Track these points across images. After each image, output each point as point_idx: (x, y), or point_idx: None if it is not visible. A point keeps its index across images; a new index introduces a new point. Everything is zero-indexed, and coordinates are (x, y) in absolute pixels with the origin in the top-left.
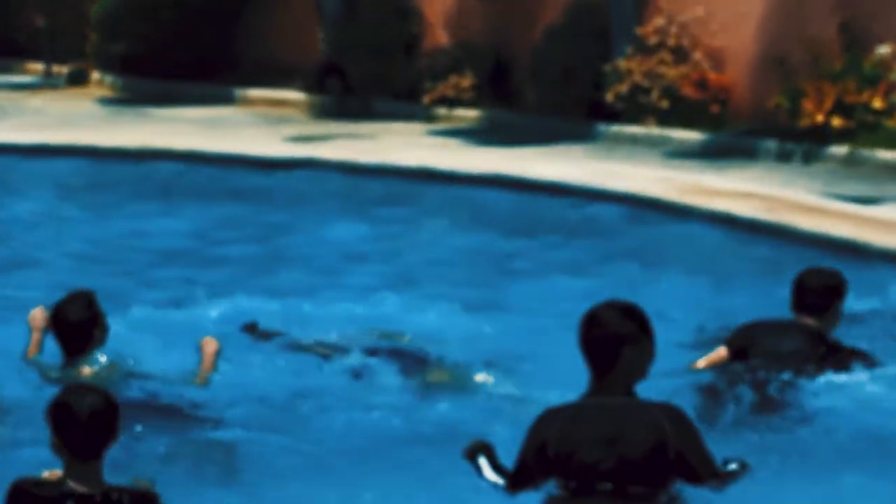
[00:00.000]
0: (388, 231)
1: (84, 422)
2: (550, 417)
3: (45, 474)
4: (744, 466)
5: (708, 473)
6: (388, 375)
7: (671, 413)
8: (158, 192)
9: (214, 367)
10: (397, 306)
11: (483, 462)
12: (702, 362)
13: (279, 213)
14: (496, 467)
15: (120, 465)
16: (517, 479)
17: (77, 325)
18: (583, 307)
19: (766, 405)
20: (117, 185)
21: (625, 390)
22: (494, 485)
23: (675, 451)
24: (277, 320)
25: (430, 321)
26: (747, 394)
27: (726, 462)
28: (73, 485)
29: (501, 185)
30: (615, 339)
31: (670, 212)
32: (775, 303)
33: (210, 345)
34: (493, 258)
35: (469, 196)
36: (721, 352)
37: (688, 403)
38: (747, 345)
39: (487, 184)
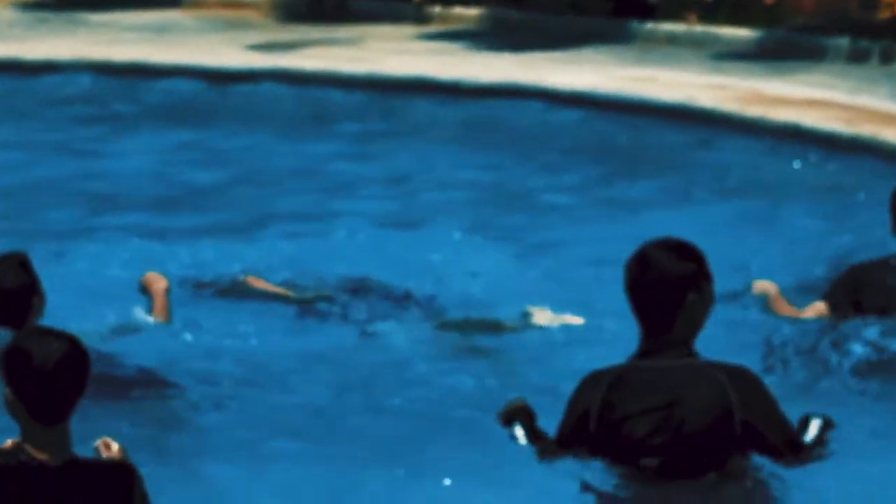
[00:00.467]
0: (378, 154)
1: (48, 373)
2: (593, 383)
3: (8, 443)
4: (828, 424)
5: (786, 447)
6: (389, 328)
7: (738, 375)
8: (95, 113)
9: (169, 308)
10: (395, 245)
11: (519, 432)
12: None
13: (243, 135)
14: (535, 436)
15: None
16: (557, 453)
17: (13, 293)
18: (625, 246)
19: (876, 364)
20: (45, 105)
21: (685, 348)
22: (532, 453)
23: (742, 421)
24: (246, 265)
25: (435, 262)
26: (844, 351)
27: (806, 419)
28: (31, 452)
29: (516, 97)
30: (672, 284)
31: (726, 125)
32: (861, 231)
33: (157, 281)
34: (508, 186)
35: (477, 111)
36: (818, 307)
37: (760, 363)
38: (857, 297)
39: (499, 96)
